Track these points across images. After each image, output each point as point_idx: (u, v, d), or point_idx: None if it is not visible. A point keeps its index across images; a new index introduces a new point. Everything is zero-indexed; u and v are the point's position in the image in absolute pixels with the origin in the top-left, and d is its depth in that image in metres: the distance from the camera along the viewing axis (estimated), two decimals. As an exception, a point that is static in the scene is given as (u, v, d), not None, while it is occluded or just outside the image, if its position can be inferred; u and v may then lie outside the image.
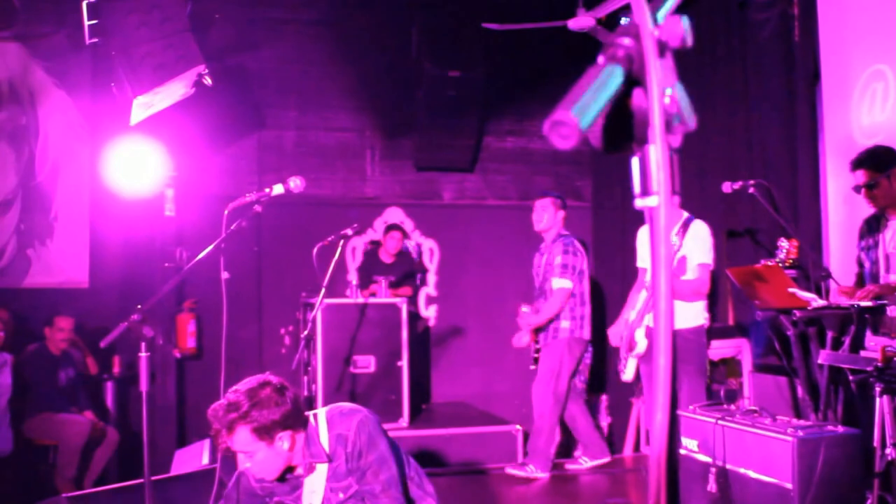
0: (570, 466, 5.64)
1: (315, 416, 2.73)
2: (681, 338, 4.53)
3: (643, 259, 4.90)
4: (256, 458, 2.56)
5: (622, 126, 0.76)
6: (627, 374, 4.75)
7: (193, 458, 4.90)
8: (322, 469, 2.69)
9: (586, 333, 5.42)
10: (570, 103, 0.69)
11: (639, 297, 4.77)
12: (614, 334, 4.94)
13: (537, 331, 5.48)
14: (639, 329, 4.67)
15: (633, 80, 0.74)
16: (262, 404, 2.53)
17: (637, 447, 6.12)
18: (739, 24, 5.51)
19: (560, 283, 5.30)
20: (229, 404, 2.54)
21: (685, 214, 4.65)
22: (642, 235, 4.91)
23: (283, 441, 2.58)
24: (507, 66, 6.36)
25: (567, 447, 6.04)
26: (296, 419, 2.61)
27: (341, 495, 2.70)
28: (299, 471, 2.70)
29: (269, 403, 2.54)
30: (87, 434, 5.34)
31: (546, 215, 5.46)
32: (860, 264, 4.04)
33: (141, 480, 2.93)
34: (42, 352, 5.58)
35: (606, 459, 5.58)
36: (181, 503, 3.76)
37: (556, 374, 5.33)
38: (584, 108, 0.69)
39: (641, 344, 4.62)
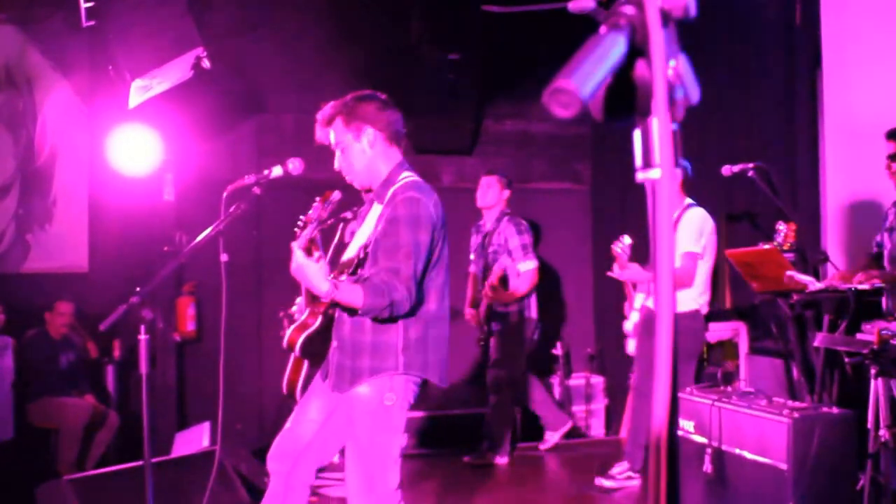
0: (542, 447, 5.74)
1: (407, 178, 2.78)
2: None
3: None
4: (347, 152, 2.79)
5: (623, 97, 0.77)
6: (630, 348, 4.94)
7: (194, 440, 4.94)
8: (377, 209, 2.79)
9: (534, 313, 5.52)
10: (570, 71, 0.69)
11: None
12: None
13: (488, 317, 5.50)
14: (633, 311, 4.78)
15: (636, 50, 0.74)
16: (364, 100, 2.81)
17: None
18: (740, 9, 5.50)
19: (526, 266, 5.39)
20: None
21: (687, 200, 4.65)
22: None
23: (366, 137, 2.77)
24: (506, 48, 6.34)
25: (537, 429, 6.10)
26: (387, 131, 2.80)
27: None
28: (371, 195, 2.85)
29: (370, 105, 2.80)
30: (88, 417, 5.37)
31: (491, 193, 5.52)
32: (879, 245, 4.04)
33: (141, 462, 2.95)
34: (42, 336, 5.60)
35: (569, 425, 5.73)
36: (181, 485, 3.80)
37: (512, 358, 5.43)
38: (586, 75, 0.69)
39: (627, 324, 4.76)
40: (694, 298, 4.59)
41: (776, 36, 5.23)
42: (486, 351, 5.66)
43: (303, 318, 2.85)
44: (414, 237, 2.63)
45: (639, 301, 4.93)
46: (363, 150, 2.78)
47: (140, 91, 5.08)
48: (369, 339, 2.69)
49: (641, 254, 4.80)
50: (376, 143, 2.79)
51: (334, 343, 2.81)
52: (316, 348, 2.84)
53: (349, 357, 2.72)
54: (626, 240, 4.79)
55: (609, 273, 4.94)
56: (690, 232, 4.50)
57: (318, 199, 2.74)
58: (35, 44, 6.10)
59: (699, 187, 5.43)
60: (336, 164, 2.83)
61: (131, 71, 4.81)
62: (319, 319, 2.82)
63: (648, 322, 4.78)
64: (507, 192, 5.56)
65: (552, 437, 5.79)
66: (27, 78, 6.12)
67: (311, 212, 2.71)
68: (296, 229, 2.67)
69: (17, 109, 6.11)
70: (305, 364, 2.90)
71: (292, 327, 2.85)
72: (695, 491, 3.68)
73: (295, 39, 6.47)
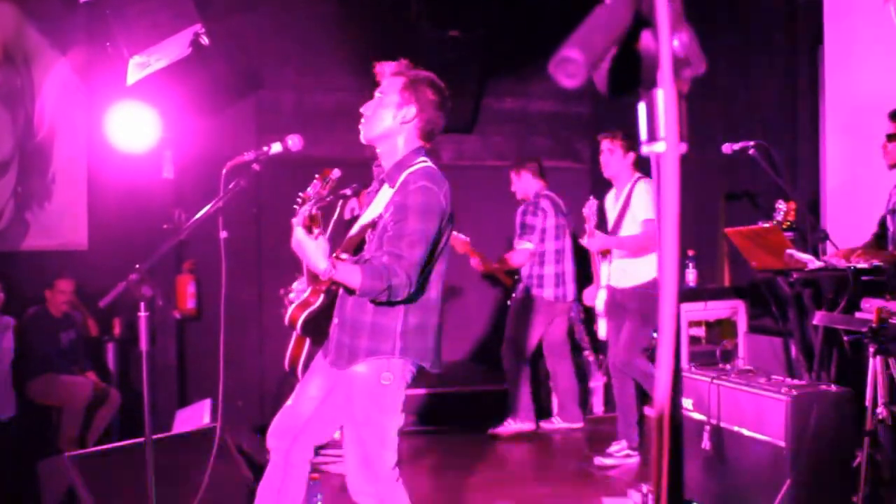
0: (543, 425, 5.80)
1: (421, 163, 2.76)
2: (627, 294, 4.78)
3: (611, 222, 5.02)
4: (381, 106, 2.77)
5: (629, 69, 0.76)
6: (601, 333, 4.96)
7: (195, 417, 4.96)
8: (387, 193, 2.77)
9: (548, 293, 5.60)
10: (576, 41, 0.68)
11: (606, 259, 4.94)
12: (588, 295, 5.18)
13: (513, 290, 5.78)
14: (600, 290, 4.83)
15: (642, 21, 0.73)
16: (431, 86, 2.77)
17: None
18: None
19: (518, 244, 5.61)
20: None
21: (635, 175, 4.84)
22: (607, 202, 5.07)
23: (405, 111, 2.75)
24: (506, 26, 6.30)
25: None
26: (424, 124, 2.77)
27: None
28: (381, 170, 2.86)
29: (432, 93, 2.76)
30: (90, 395, 5.38)
31: (522, 183, 5.74)
32: (882, 225, 4.05)
33: (142, 439, 2.96)
34: (43, 314, 5.60)
35: (579, 425, 5.74)
36: (182, 462, 3.81)
37: (515, 332, 5.62)
38: (592, 45, 0.68)
39: (599, 304, 4.82)
40: (655, 268, 4.69)
41: (778, 14, 5.20)
42: None
43: (305, 296, 2.85)
44: (422, 226, 2.62)
45: (604, 277, 4.97)
46: (394, 117, 2.76)
47: (138, 68, 5.05)
48: (369, 320, 2.70)
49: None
50: (408, 124, 2.77)
51: (335, 320, 2.82)
52: (317, 327, 2.85)
53: (348, 335, 2.74)
54: (593, 202, 4.97)
55: (580, 241, 5.07)
56: (646, 201, 4.68)
57: (317, 176, 2.73)
58: (32, 20, 6.05)
59: (699, 165, 5.42)
60: (364, 107, 2.82)
61: (129, 47, 4.78)
62: (321, 298, 2.83)
63: (613, 301, 4.87)
64: (538, 181, 5.72)
65: (557, 423, 5.85)
66: (24, 55, 6.07)
67: (309, 189, 2.70)
68: (295, 206, 2.66)
69: (15, 87, 6.06)
70: (307, 342, 2.91)
71: (294, 305, 2.86)
72: (693, 468, 3.71)
73: (294, 16, 6.43)
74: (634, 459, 4.86)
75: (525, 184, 5.72)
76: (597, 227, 4.86)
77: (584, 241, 4.85)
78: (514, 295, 5.72)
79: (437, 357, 2.81)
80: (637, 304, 4.72)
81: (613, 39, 0.71)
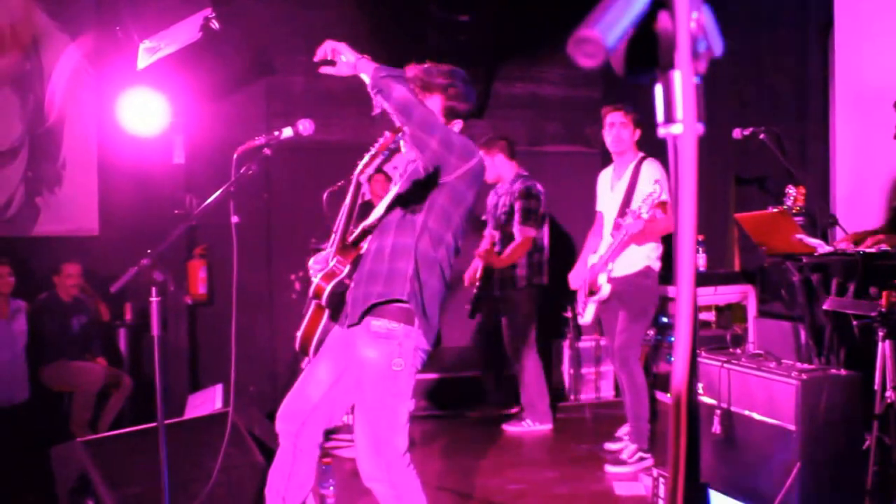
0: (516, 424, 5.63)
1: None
2: (621, 282, 4.58)
3: (602, 204, 4.89)
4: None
5: (645, 50, 0.76)
6: (586, 318, 4.76)
7: (207, 402, 4.99)
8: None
9: (545, 279, 5.47)
10: (595, 20, 0.68)
11: (601, 242, 4.75)
12: (574, 278, 4.90)
13: (487, 278, 5.45)
14: (602, 273, 4.64)
15: (659, 1, 0.73)
16: (453, 76, 3.05)
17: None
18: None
19: (524, 231, 5.30)
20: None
21: (639, 155, 4.65)
22: (602, 180, 4.91)
23: (455, 127, 2.93)
24: (516, 10, 6.27)
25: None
26: (451, 102, 2.98)
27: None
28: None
29: (462, 103, 2.99)
30: (102, 380, 5.41)
31: (496, 164, 5.43)
32: (893, 209, 4.04)
33: (155, 424, 2.98)
34: (53, 299, 5.62)
35: (548, 427, 5.56)
36: (195, 446, 3.84)
37: (523, 323, 5.42)
38: (610, 25, 0.68)
39: (605, 288, 4.62)
40: (646, 255, 4.58)
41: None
42: (473, 313, 5.63)
43: (331, 265, 2.85)
44: (460, 141, 2.79)
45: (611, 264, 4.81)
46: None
47: (148, 52, 5.06)
48: (386, 267, 2.75)
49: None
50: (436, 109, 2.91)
51: (352, 284, 2.85)
52: (343, 299, 2.86)
53: (363, 287, 2.78)
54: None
55: (619, 220, 4.92)
56: (657, 181, 4.49)
57: (387, 132, 2.82)
58: (41, 4, 6.05)
59: (709, 150, 5.41)
60: None
61: (139, 32, 4.79)
62: (347, 268, 2.84)
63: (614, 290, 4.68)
64: (512, 161, 5.48)
65: (529, 426, 5.53)
66: (34, 39, 6.08)
67: (381, 140, 2.78)
68: (367, 155, 2.75)
69: (24, 71, 6.08)
70: (324, 319, 2.91)
71: (319, 276, 2.86)
72: (704, 451, 3.72)
73: (304, 0, 6.41)
74: (648, 461, 4.59)
75: (499, 165, 5.40)
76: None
77: (627, 222, 4.44)
78: (507, 287, 5.39)
79: (434, 330, 2.82)
80: (631, 293, 4.57)
81: (631, 20, 0.71)
